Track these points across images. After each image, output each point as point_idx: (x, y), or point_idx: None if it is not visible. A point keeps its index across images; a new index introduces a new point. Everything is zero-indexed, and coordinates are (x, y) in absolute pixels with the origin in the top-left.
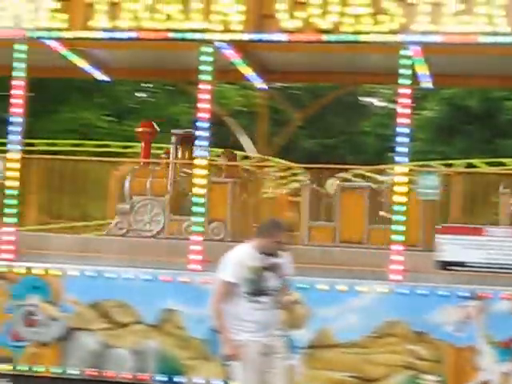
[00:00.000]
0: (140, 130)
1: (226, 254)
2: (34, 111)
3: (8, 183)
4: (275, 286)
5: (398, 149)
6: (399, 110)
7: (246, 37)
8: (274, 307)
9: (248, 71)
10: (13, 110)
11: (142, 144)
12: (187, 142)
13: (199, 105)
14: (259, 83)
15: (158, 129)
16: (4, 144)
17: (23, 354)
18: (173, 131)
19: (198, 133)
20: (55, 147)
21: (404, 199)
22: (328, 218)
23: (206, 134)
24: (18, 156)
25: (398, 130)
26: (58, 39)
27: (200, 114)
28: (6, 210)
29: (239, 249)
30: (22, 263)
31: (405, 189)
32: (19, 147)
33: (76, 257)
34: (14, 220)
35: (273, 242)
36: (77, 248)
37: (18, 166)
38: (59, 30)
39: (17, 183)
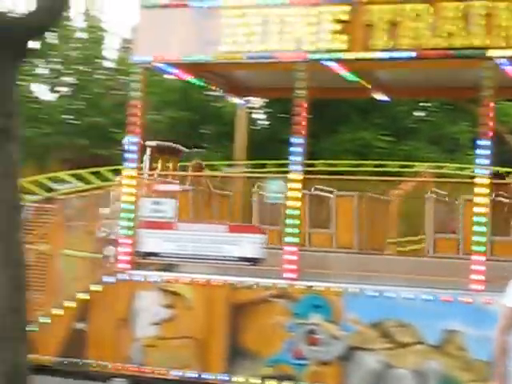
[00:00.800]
0: None
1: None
2: (314, 132)
3: (289, 203)
4: None
5: None
6: None
7: None
8: None
9: None
10: (295, 131)
11: None
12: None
13: (480, 122)
14: None
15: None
16: (285, 165)
17: (305, 373)
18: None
19: (478, 151)
20: (334, 167)
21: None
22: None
23: (488, 152)
24: (300, 177)
25: None
26: (338, 60)
27: (481, 132)
28: (288, 230)
29: None
30: (303, 282)
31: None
32: (300, 168)
33: (356, 276)
34: (296, 240)
35: None
36: (356, 267)
37: (299, 186)
38: (339, 51)
39: (298, 203)
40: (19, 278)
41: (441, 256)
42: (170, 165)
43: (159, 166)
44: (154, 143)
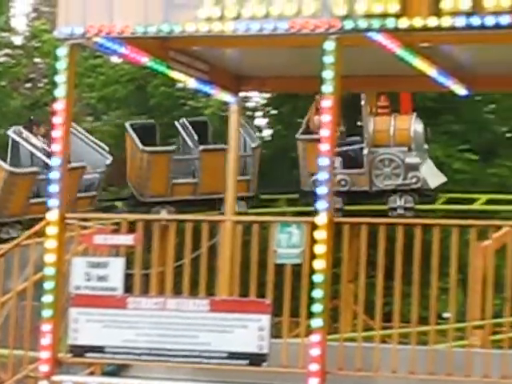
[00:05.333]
0: None
1: None
2: None
3: (316, 264)
4: None
5: None
6: None
7: None
8: None
9: None
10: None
11: None
12: None
13: None
14: None
15: None
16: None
17: None
18: None
19: None
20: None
21: None
22: None
23: None
24: (327, 219)
25: None
26: (387, 30)
27: None
28: (315, 308)
29: None
30: None
31: None
32: (329, 204)
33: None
34: (322, 323)
35: None
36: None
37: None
38: (390, 15)
39: (324, 263)
40: None
41: None
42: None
43: None
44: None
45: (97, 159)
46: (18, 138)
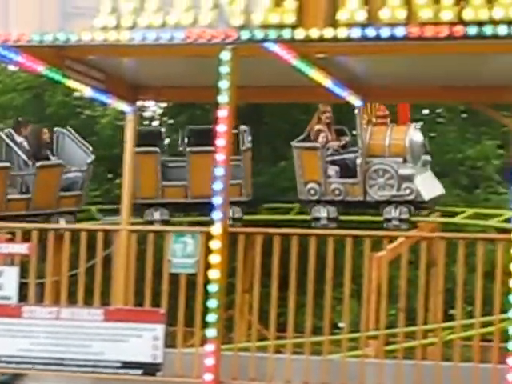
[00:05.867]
0: None
1: None
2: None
3: (211, 274)
4: None
5: None
6: None
7: None
8: None
9: None
10: (217, 156)
11: None
12: None
13: None
14: None
15: None
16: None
17: None
18: None
19: None
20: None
21: None
22: None
23: None
24: (222, 230)
25: None
26: (283, 41)
27: None
28: (209, 318)
29: None
30: None
31: None
32: (223, 215)
33: None
34: (216, 333)
35: None
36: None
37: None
38: (286, 26)
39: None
40: None
41: None
42: None
43: None
44: None
45: (81, 158)
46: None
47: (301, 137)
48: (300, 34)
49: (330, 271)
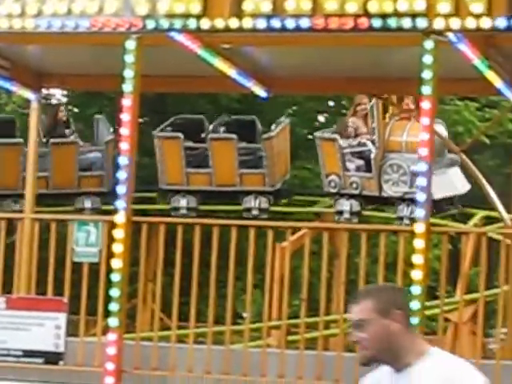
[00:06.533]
0: None
1: None
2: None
3: (113, 263)
4: None
5: None
6: None
7: None
8: None
9: None
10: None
11: None
12: None
13: None
14: None
15: None
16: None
17: None
18: None
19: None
20: None
21: None
22: None
23: None
24: (125, 219)
25: None
26: (187, 31)
27: None
28: (111, 307)
29: None
30: None
31: None
32: (126, 205)
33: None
34: (119, 322)
35: None
36: None
37: (124, 233)
38: (191, 16)
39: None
40: None
41: None
42: None
43: None
44: None
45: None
46: None
47: (334, 127)
48: (205, 23)
49: (233, 261)
